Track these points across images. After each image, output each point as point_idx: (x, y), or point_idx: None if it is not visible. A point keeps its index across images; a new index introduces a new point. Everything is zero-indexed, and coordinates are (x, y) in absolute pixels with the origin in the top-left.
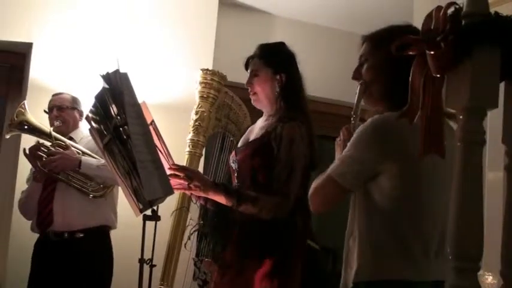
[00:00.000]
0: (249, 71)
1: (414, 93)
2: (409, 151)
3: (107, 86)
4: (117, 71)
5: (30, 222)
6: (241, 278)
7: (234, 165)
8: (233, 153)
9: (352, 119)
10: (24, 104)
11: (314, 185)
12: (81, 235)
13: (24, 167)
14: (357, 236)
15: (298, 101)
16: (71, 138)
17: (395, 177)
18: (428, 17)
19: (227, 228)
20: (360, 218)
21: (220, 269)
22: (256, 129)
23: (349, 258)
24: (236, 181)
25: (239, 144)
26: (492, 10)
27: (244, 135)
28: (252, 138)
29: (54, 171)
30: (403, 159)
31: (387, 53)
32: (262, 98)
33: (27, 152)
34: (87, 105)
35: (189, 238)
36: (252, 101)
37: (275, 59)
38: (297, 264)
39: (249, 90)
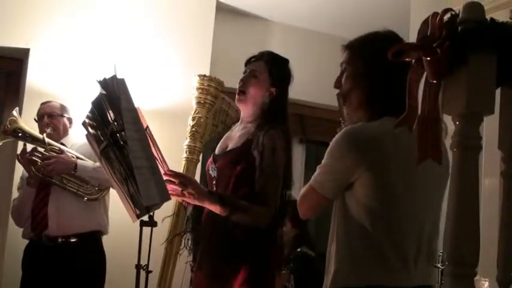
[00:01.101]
0: (247, 69)
1: (412, 100)
2: (383, 160)
3: (104, 91)
4: (114, 77)
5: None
6: (218, 285)
7: (213, 173)
8: (210, 160)
9: (341, 124)
10: (16, 111)
11: (301, 193)
12: (75, 240)
13: (21, 172)
14: (335, 243)
15: (279, 115)
16: (62, 145)
17: (369, 186)
18: (425, 23)
19: (202, 233)
20: (338, 225)
21: (199, 275)
22: (235, 136)
23: (329, 263)
24: (215, 189)
25: (217, 152)
26: (488, 16)
27: (221, 142)
28: (231, 146)
29: (50, 175)
30: (376, 167)
31: (366, 61)
32: (250, 100)
33: (21, 157)
34: (84, 111)
35: (184, 246)
36: (236, 99)
37: (278, 73)
38: (273, 275)
39: (239, 86)
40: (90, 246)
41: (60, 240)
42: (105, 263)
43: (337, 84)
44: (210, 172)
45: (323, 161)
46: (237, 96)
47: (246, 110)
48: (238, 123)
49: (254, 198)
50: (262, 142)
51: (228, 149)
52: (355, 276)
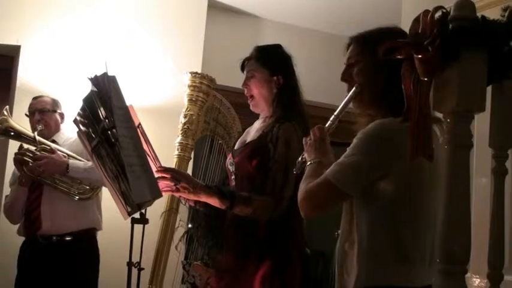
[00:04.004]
0: (245, 72)
1: (409, 97)
2: None
3: (95, 89)
4: (105, 74)
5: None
6: (239, 282)
7: (231, 168)
8: (230, 155)
9: (331, 120)
10: (6, 109)
11: (306, 188)
12: (70, 238)
13: (14, 168)
14: (356, 242)
15: (294, 103)
16: (54, 141)
17: (398, 184)
18: (416, 21)
19: (220, 230)
20: (359, 224)
21: (217, 273)
22: (253, 131)
23: (346, 263)
24: (234, 183)
25: (236, 147)
26: (479, 14)
27: (241, 137)
28: (248, 140)
29: (42, 175)
30: (407, 166)
31: (379, 56)
32: (259, 100)
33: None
34: (75, 108)
35: (180, 240)
36: (250, 107)
37: (272, 61)
38: (297, 266)
39: (246, 92)
40: (85, 244)
41: (54, 238)
42: (99, 259)
43: (346, 77)
44: (229, 167)
45: (346, 156)
46: (250, 104)
47: (262, 111)
48: (259, 118)
49: (262, 188)
50: (277, 134)
51: (246, 143)
52: (378, 276)
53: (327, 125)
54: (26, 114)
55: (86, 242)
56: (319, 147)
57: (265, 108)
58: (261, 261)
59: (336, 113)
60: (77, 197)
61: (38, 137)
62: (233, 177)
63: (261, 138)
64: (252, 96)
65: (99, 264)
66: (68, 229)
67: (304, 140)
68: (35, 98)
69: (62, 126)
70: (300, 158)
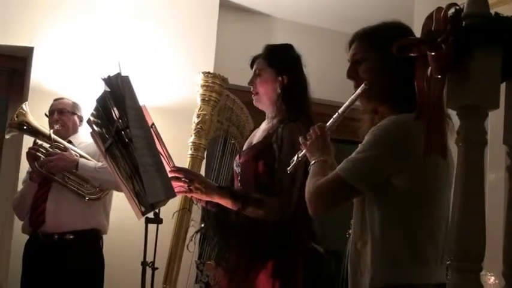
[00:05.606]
0: (253, 70)
1: (422, 94)
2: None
3: (108, 89)
4: (118, 75)
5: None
6: (246, 282)
7: (237, 169)
8: (237, 156)
9: (334, 117)
10: (25, 105)
11: (314, 186)
12: (71, 237)
13: (26, 170)
14: (370, 241)
15: (300, 104)
16: (69, 142)
17: (412, 182)
18: (429, 18)
19: (230, 230)
20: (372, 223)
21: (225, 273)
22: (259, 132)
23: (359, 263)
24: (239, 184)
25: (244, 148)
26: (493, 11)
27: (248, 139)
28: (255, 141)
29: (51, 171)
30: (421, 163)
31: (387, 52)
32: (263, 98)
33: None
34: (88, 109)
35: (191, 240)
36: (253, 101)
37: (279, 60)
38: (298, 265)
39: (251, 89)
40: (86, 244)
41: (56, 237)
42: (103, 261)
43: (352, 74)
44: (235, 168)
45: (358, 153)
46: (253, 99)
47: (266, 109)
48: (265, 119)
49: (270, 189)
50: (282, 135)
51: (252, 144)
52: (394, 275)
53: (329, 123)
54: (45, 114)
55: (88, 242)
56: (321, 146)
57: (268, 106)
58: (266, 261)
59: (340, 111)
60: (87, 198)
61: (52, 135)
62: (239, 178)
63: (266, 139)
64: (257, 93)
65: (103, 268)
66: (70, 227)
67: (300, 139)
68: (56, 99)
69: (80, 129)
70: (295, 157)
